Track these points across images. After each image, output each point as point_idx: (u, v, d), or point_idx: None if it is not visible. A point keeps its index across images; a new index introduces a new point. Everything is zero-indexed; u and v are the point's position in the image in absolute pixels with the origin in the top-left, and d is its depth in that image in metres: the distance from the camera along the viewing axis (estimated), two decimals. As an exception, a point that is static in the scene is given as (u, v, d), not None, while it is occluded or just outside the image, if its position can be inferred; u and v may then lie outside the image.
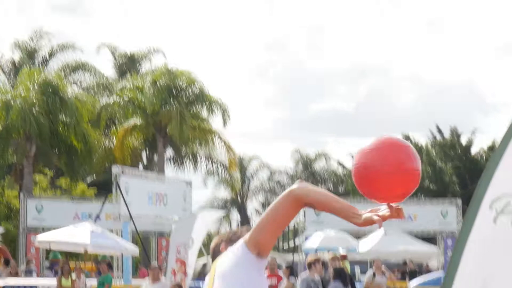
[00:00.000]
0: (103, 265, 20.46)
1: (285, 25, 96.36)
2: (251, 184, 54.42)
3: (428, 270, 31.26)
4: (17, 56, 43.48)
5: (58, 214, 31.46)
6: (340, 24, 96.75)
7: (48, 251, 32.17)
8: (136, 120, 38.35)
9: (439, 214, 32.24)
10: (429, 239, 32.95)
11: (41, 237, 24.51)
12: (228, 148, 39.86)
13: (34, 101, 34.80)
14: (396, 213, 3.27)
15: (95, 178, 45.37)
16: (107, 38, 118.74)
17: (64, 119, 36.68)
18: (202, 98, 38.21)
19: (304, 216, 31.86)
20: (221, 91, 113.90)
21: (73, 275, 19.14)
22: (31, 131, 34.56)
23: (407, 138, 48.56)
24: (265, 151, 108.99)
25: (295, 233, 40.24)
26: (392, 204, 3.28)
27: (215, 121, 39.37)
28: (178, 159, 43.40)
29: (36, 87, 35.17)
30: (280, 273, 17.01)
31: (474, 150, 46.94)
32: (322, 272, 17.86)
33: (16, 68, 42.45)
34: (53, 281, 20.28)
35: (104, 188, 37.43)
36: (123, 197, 25.19)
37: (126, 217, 25.34)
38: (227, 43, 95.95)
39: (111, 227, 26.18)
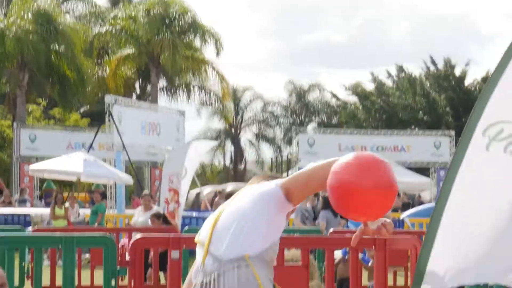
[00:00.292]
0: (96, 194, 20.39)
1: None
2: (244, 115, 54.29)
3: (421, 202, 31.36)
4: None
5: (51, 144, 31.48)
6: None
7: (42, 181, 32.25)
8: (129, 50, 38.10)
9: (432, 146, 32.27)
10: (422, 170, 33.05)
11: (34, 166, 24.58)
12: (222, 78, 39.72)
13: (30, 29, 34.51)
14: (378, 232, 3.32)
15: (88, 108, 45.29)
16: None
17: (57, 48, 36.46)
18: (195, 27, 37.93)
19: (298, 146, 31.81)
20: (214, 21, 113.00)
21: (67, 204, 19.16)
22: (28, 58, 34.37)
23: (401, 69, 48.38)
24: (258, 81, 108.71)
25: (289, 164, 40.33)
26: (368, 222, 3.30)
27: (208, 51, 39.16)
28: (172, 89, 43.26)
29: (30, 16, 34.83)
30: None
31: (468, 82, 46.77)
32: (314, 202, 18.02)
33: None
34: (46, 210, 20.33)
35: (97, 118, 37.34)
36: (116, 127, 25.15)
37: (119, 146, 25.32)
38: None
39: (104, 156, 26.11)
